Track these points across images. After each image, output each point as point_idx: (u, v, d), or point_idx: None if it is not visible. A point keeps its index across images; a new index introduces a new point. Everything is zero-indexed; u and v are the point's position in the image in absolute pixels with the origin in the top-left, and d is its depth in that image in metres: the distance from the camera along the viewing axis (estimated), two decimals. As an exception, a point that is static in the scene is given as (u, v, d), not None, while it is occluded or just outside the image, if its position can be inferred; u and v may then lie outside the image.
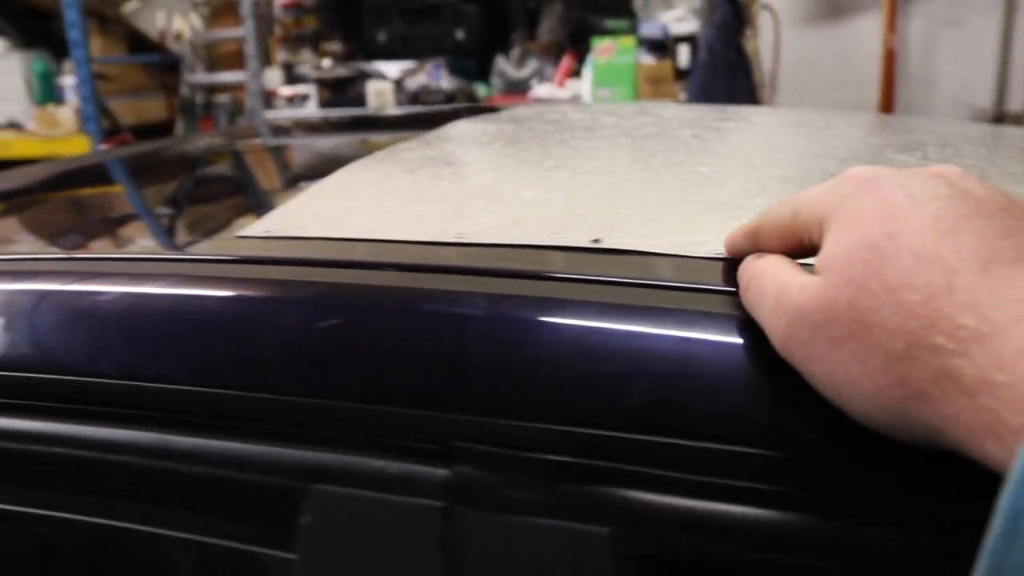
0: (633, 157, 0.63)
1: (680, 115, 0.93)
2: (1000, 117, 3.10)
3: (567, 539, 0.31)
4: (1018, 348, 0.23)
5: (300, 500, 0.34)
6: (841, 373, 0.26)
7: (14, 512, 0.40)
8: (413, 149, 0.69)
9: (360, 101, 3.51)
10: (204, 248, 0.52)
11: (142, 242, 0.58)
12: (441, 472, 0.33)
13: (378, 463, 0.33)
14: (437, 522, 0.32)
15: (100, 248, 0.55)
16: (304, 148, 0.97)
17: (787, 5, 3.51)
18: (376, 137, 1.03)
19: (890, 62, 3.31)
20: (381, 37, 3.61)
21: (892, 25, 3.27)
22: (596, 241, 0.42)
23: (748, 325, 0.31)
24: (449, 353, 0.33)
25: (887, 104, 3.35)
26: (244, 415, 0.35)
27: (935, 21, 3.28)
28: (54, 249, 0.54)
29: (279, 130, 1.11)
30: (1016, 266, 0.24)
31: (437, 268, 0.40)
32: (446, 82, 3.49)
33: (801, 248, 0.31)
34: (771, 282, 0.30)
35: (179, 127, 4.16)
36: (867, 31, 3.40)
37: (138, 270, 0.43)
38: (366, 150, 0.78)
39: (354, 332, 0.35)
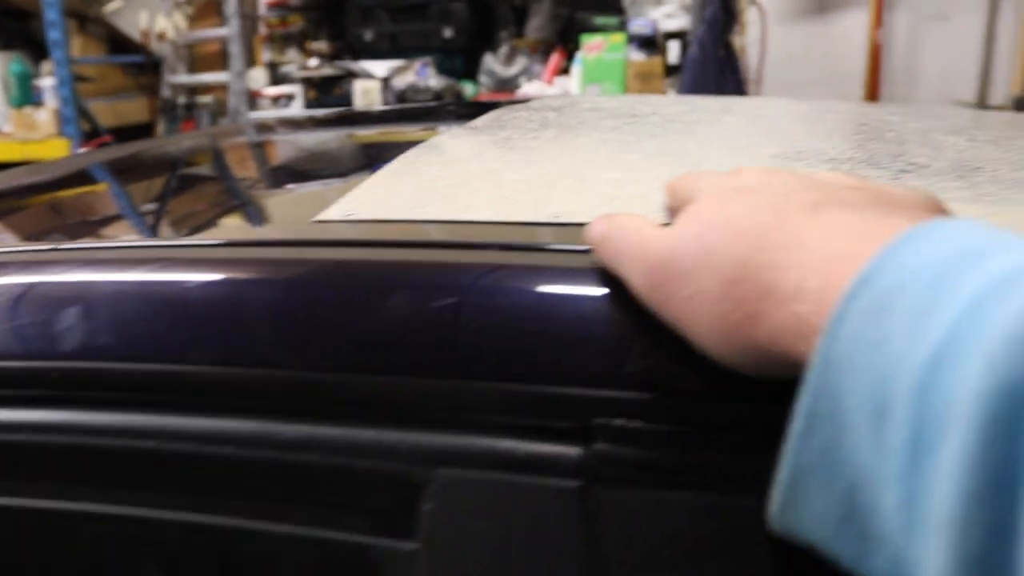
0: (696, 140, 0.62)
1: (713, 105, 0.93)
2: (983, 110, 3.14)
3: (711, 512, 0.30)
4: (825, 254, 0.25)
5: (424, 487, 0.33)
6: (686, 308, 0.28)
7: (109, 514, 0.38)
8: (466, 136, 0.68)
9: (347, 100, 3.49)
10: (293, 232, 0.50)
11: (223, 230, 0.56)
12: (578, 450, 0.31)
13: (508, 444, 0.32)
14: (574, 502, 0.31)
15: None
16: (326, 141, 0.96)
17: (774, 1, 3.52)
18: (403, 129, 1.02)
19: (876, 57, 3.34)
20: (368, 36, 3.59)
21: (878, 20, 3.30)
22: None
23: None
24: (583, 328, 0.32)
25: (872, 99, 3.37)
26: (363, 400, 0.34)
27: (920, 16, 3.31)
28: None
29: (297, 124, 1.10)
30: (837, 209, 0.27)
31: (548, 248, 0.39)
32: (434, 80, 3.47)
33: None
34: (631, 234, 0.32)
35: (160, 129, 4.10)
36: (853, 26, 3.42)
37: (236, 256, 0.42)
38: (407, 140, 0.77)
39: (483, 310, 0.34)
